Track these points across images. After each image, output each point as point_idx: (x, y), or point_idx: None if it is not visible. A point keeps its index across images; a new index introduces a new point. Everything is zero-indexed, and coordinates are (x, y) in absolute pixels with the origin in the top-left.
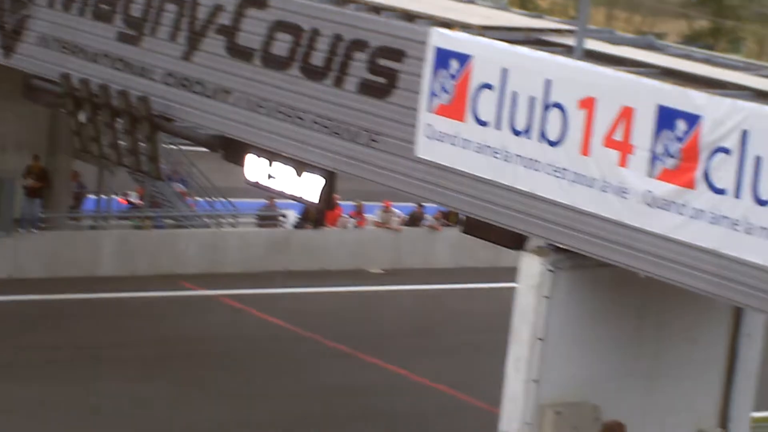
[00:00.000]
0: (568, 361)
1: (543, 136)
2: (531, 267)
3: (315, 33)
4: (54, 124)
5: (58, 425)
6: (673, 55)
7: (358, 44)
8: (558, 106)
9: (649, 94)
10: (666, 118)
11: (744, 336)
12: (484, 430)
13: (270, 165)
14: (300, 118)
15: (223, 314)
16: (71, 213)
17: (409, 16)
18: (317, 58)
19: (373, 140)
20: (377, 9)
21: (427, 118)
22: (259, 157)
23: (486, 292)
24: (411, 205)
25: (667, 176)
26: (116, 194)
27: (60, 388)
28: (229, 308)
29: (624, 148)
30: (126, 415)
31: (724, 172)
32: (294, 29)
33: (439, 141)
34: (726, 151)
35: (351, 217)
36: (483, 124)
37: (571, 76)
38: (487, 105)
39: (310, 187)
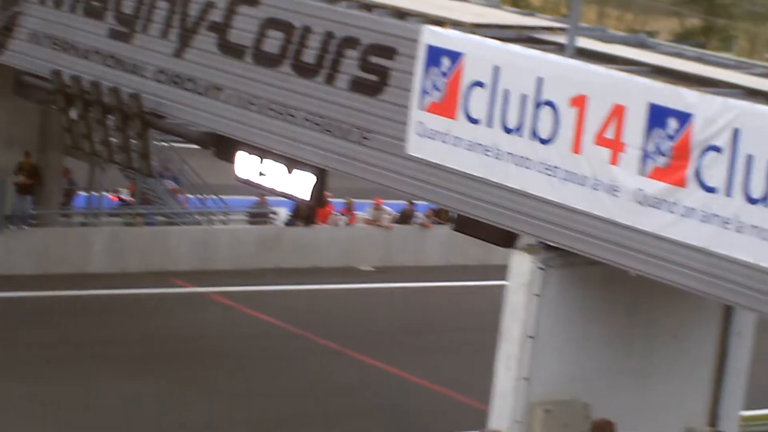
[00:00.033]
0: (559, 359)
1: (534, 134)
2: (521, 265)
3: (306, 30)
4: (45, 120)
5: (48, 422)
6: (664, 53)
7: (350, 42)
8: (549, 104)
9: (641, 93)
10: (657, 116)
11: (734, 334)
12: (474, 427)
13: (261, 162)
14: (291, 116)
15: (214, 311)
16: (62, 210)
17: (401, 14)
18: (309, 56)
19: (364, 138)
20: (369, 6)
21: (418, 116)
22: (250, 154)
23: (476, 290)
24: (402, 202)
25: (658, 174)
26: (107, 191)
27: (51, 386)
28: (219, 305)
29: (615, 146)
30: (117, 412)
31: (715, 170)
32: (285, 26)
33: (431, 138)
34: (717, 149)
35: (341, 214)
36: (474, 121)
37: (562, 74)
38: (478, 103)
39: (301, 184)
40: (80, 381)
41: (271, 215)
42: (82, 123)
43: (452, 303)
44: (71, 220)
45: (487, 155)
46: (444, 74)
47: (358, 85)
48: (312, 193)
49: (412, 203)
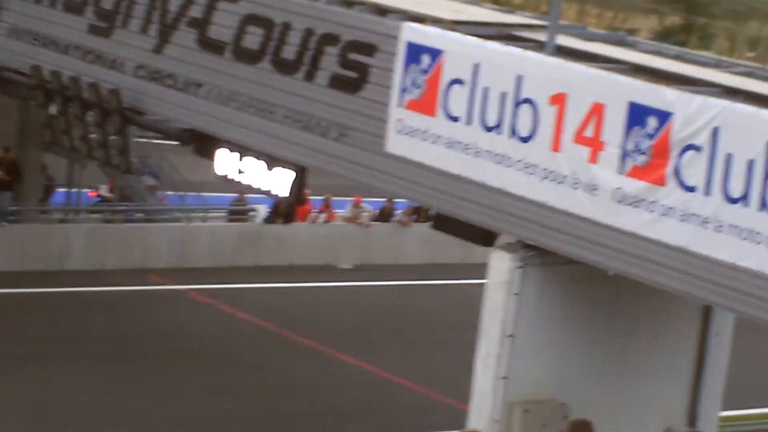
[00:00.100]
0: (537, 358)
1: (514, 132)
2: (501, 263)
3: (286, 27)
4: (24, 116)
5: (20, 419)
6: (644, 51)
7: (330, 38)
8: (529, 101)
9: (621, 91)
10: (637, 114)
11: (713, 335)
12: (452, 426)
13: (241, 159)
14: (271, 112)
15: (192, 309)
16: (41, 206)
17: (381, 11)
18: (288, 52)
19: (343, 135)
20: (349, 3)
21: (397, 113)
22: (230, 151)
23: (456, 289)
24: (381, 200)
25: (637, 173)
26: (86, 188)
27: (24, 383)
28: (198, 303)
29: (595, 144)
30: (93, 408)
31: (694, 169)
32: (265, 22)
33: (410, 136)
34: (697, 148)
35: (319, 212)
36: (454, 119)
37: (542, 72)
38: (458, 100)
39: (280, 181)
40: (54, 377)
41: (251, 213)
42: (61, 119)
43: (431, 301)
44: (50, 216)
45: (467, 153)
46: (424, 71)
47: (337, 82)
48: (291, 190)
49: (391, 201)
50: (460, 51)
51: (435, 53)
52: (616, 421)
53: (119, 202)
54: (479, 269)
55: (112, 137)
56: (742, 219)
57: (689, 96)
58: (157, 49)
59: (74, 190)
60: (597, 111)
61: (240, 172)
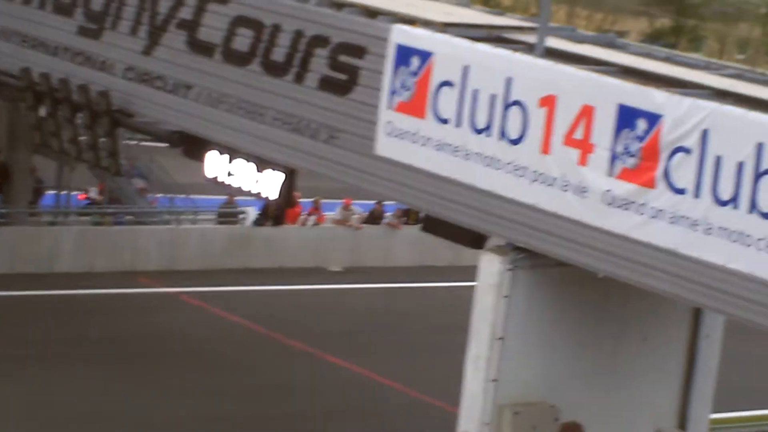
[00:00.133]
0: (527, 360)
1: (503, 134)
2: (490, 266)
3: (276, 28)
4: (14, 118)
5: (10, 421)
6: (634, 53)
7: (320, 40)
8: (519, 104)
9: (610, 93)
10: (626, 117)
11: (703, 337)
12: (443, 429)
13: (230, 162)
14: (260, 114)
15: (182, 311)
16: (31, 209)
17: (371, 13)
18: (278, 54)
19: (333, 137)
20: (339, 5)
21: (387, 116)
22: (220, 153)
23: (445, 291)
24: (371, 202)
25: (627, 175)
26: (76, 190)
27: (15, 384)
28: (187, 305)
29: (584, 146)
30: (82, 410)
31: (684, 171)
32: (255, 24)
33: (400, 138)
34: (686, 150)
35: (309, 214)
36: (443, 121)
37: (532, 74)
38: (447, 102)
39: (270, 184)
40: (46, 380)
41: (240, 215)
42: (51, 121)
43: (421, 304)
44: (40, 219)
45: (456, 155)
46: (413, 74)
47: (327, 84)
48: (281, 192)
49: (381, 203)
50: (450, 53)
51: (424, 55)
52: (606, 424)
53: (109, 204)
54: (469, 272)
55: (102, 139)
56: (731, 221)
57: (679, 98)
58: (147, 51)
59: (64, 192)
60: (586, 113)
61: (229, 174)
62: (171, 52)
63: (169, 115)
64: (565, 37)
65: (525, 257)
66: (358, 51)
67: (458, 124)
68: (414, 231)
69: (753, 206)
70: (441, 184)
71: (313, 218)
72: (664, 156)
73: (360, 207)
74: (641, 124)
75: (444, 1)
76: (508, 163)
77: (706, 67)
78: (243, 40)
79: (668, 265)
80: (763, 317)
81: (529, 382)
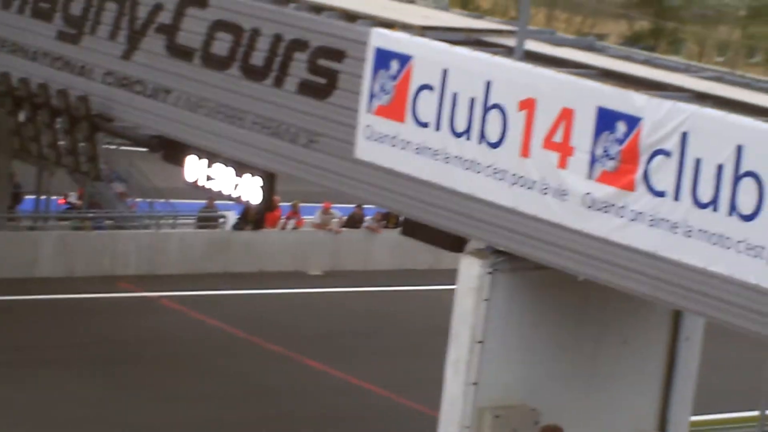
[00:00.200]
0: (507, 363)
1: (483, 137)
2: (470, 269)
3: (255, 33)
4: None
5: None
6: (613, 56)
7: (299, 44)
8: (498, 107)
9: (590, 96)
10: (606, 119)
11: (683, 339)
12: None
13: (210, 166)
14: (240, 119)
15: (162, 316)
16: (10, 213)
17: (350, 16)
18: (257, 58)
19: (312, 141)
20: (318, 9)
21: (366, 119)
22: (199, 158)
23: (425, 295)
24: (351, 206)
25: (606, 178)
26: (54, 195)
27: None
28: (168, 310)
29: (564, 149)
30: (60, 415)
31: (663, 174)
32: (234, 29)
33: (379, 142)
34: (666, 153)
35: (287, 218)
36: (423, 125)
37: (511, 77)
38: (427, 106)
39: (250, 188)
40: (25, 385)
41: (220, 219)
42: (30, 126)
43: (401, 307)
44: (19, 223)
45: (436, 159)
46: (393, 77)
47: (306, 88)
48: (261, 197)
49: (361, 207)
50: (429, 57)
51: (404, 59)
52: (586, 426)
53: (88, 209)
54: (449, 275)
55: (81, 144)
56: (711, 224)
57: (658, 101)
58: (126, 56)
59: (43, 197)
60: (566, 116)
61: (209, 178)
62: (150, 56)
63: (149, 120)
64: (544, 40)
65: (505, 260)
66: (337, 55)
67: (438, 128)
68: (394, 234)
69: (733, 208)
70: (421, 187)
71: (292, 222)
72: (643, 159)
73: (340, 211)
74: (621, 127)
75: (423, 4)
76: (488, 167)
77: (685, 70)
78: (222, 45)
79: (648, 267)
80: (743, 319)
81: (509, 385)
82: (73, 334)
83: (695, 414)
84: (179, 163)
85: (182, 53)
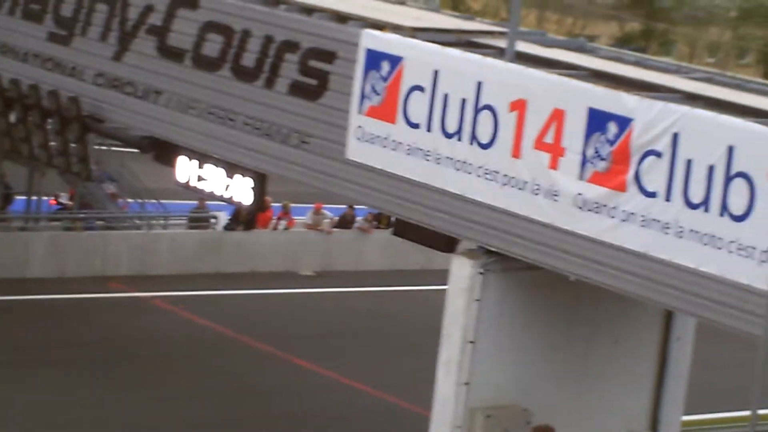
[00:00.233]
0: (499, 363)
1: (474, 138)
2: (462, 270)
3: (246, 34)
4: None
5: None
6: (604, 57)
7: (290, 45)
8: (489, 108)
9: (581, 97)
10: (597, 120)
11: (674, 340)
12: None
13: (201, 167)
14: (231, 120)
15: (154, 316)
16: (1, 214)
17: (341, 18)
18: (248, 59)
19: (303, 142)
20: (309, 10)
21: (357, 120)
22: (190, 159)
23: (417, 295)
24: (342, 207)
25: (597, 179)
26: (45, 195)
27: None
28: (159, 310)
29: (555, 150)
30: (51, 416)
31: (654, 175)
32: (225, 30)
33: (370, 143)
34: (657, 154)
35: (278, 218)
36: (414, 126)
37: (502, 78)
38: (418, 107)
39: (241, 189)
40: (19, 386)
41: (211, 220)
42: (21, 127)
43: (392, 308)
44: (10, 224)
45: (427, 160)
46: (383, 78)
47: (297, 89)
48: (252, 197)
49: (352, 208)
50: (420, 58)
51: (394, 60)
52: (578, 426)
53: (79, 209)
54: (440, 275)
55: (72, 145)
56: (702, 224)
57: (649, 102)
58: (117, 57)
59: (34, 197)
60: (557, 117)
61: (200, 179)
62: (141, 57)
63: (140, 121)
64: (535, 41)
65: (496, 261)
66: (328, 56)
67: (429, 129)
68: (385, 235)
69: (724, 209)
70: (412, 188)
71: (283, 223)
72: (635, 159)
73: (331, 211)
74: (612, 128)
75: (413, 6)
76: (479, 167)
77: (676, 71)
78: (213, 46)
79: (639, 268)
80: (734, 320)
81: (501, 386)
82: (65, 334)
83: (686, 414)
84: (170, 163)
85: (173, 54)
